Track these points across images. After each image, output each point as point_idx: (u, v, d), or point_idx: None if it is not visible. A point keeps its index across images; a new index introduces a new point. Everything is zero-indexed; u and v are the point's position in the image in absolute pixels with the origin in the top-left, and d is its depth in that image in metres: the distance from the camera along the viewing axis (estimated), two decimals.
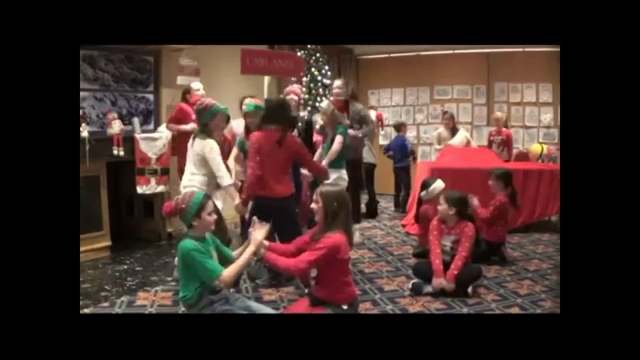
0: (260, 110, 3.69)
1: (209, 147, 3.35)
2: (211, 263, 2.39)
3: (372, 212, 6.30)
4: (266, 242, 2.59)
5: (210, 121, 3.42)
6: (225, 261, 2.56)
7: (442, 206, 3.60)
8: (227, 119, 4.03)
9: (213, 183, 3.44)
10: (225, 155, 3.62)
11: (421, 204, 4.51)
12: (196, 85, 4.73)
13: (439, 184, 4.36)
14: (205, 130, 3.41)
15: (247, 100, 4.31)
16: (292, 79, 5.15)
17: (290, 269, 2.54)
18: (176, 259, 3.64)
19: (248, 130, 3.77)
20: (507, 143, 6.43)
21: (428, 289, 3.41)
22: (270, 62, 4.24)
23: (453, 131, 6.59)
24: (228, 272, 2.40)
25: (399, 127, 6.76)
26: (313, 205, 2.66)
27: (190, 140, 3.50)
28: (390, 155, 6.70)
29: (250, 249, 2.50)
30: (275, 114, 3.36)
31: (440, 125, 7.53)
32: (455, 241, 3.52)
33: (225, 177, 3.33)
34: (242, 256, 2.49)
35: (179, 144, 4.61)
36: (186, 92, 4.75)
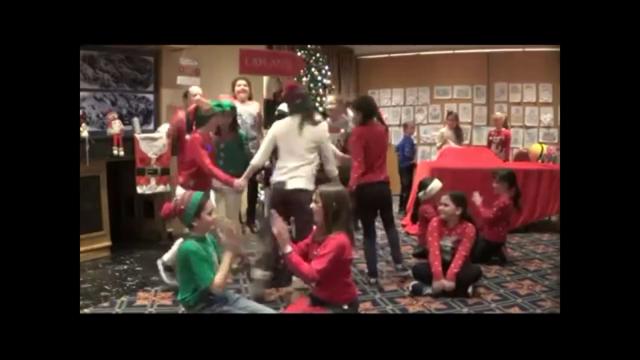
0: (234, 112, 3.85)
1: (326, 132, 3.45)
2: (205, 270, 2.37)
3: None
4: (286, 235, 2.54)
5: (311, 106, 3.52)
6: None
7: (449, 207, 3.54)
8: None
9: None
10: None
11: (419, 204, 4.51)
12: (195, 89, 4.54)
13: (436, 184, 4.36)
14: (312, 116, 3.44)
15: (241, 82, 4.56)
16: (293, 78, 5.16)
17: (303, 277, 2.55)
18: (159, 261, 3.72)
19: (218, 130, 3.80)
20: (505, 143, 6.45)
21: (428, 290, 3.41)
22: (268, 62, 4.23)
23: (456, 131, 6.59)
24: (217, 280, 2.38)
25: (405, 126, 6.77)
26: (312, 206, 2.64)
27: (285, 129, 3.41)
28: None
29: (227, 256, 2.45)
30: (374, 110, 3.72)
31: (441, 125, 7.56)
32: (457, 241, 3.51)
33: (334, 167, 3.49)
34: (223, 263, 2.44)
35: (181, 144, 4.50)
36: (184, 96, 4.61)
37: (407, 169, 6.52)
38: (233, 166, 3.69)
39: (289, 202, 3.24)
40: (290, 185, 3.28)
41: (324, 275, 2.53)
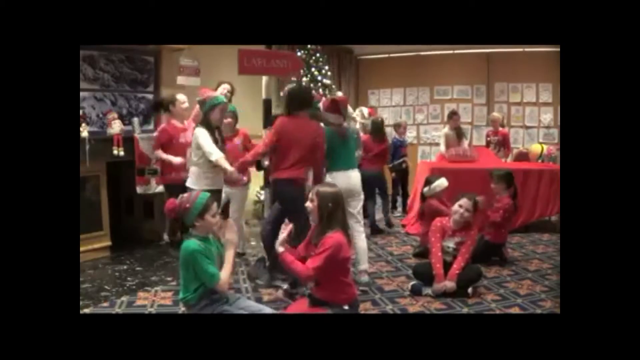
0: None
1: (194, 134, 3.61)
2: (212, 267, 2.39)
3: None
4: (284, 235, 2.60)
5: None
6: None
7: (470, 213, 3.48)
8: (235, 116, 4.18)
9: None
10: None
11: (424, 200, 4.51)
12: (182, 97, 4.28)
13: (442, 182, 4.34)
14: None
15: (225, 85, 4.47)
16: (292, 78, 5.16)
17: (299, 275, 2.56)
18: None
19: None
20: (504, 143, 6.47)
21: (427, 291, 3.41)
22: (268, 62, 4.22)
23: (456, 131, 6.58)
24: (223, 277, 2.40)
25: (397, 127, 6.72)
26: (308, 204, 2.65)
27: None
28: None
29: (230, 252, 2.49)
30: (306, 103, 3.52)
31: (441, 125, 7.56)
32: (459, 242, 3.50)
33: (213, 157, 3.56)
34: (227, 259, 2.48)
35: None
36: (170, 102, 4.23)
37: (391, 168, 6.41)
38: None
39: None
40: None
41: (322, 274, 2.53)
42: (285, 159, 3.28)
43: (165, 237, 4.45)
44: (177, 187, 3.58)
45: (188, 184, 3.49)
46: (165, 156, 4.03)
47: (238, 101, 4.68)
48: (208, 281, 2.38)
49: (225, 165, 3.39)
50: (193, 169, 3.52)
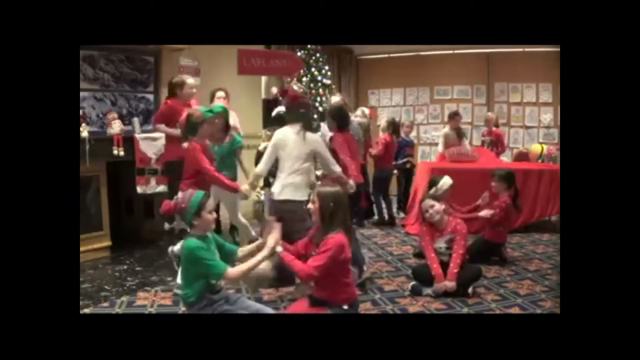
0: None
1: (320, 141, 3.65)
2: (216, 261, 2.41)
3: (368, 212, 6.27)
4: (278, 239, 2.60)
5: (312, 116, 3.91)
6: (228, 258, 2.56)
7: (436, 206, 3.56)
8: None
9: None
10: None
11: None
12: (191, 81, 4.31)
13: (446, 180, 4.31)
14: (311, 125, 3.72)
15: (220, 93, 4.40)
16: (289, 78, 5.18)
17: (300, 274, 2.55)
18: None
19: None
20: (497, 142, 6.54)
21: (427, 291, 3.41)
22: (267, 62, 4.23)
23: (457, 132, 6.59)
24: (234, 271, 2.41)
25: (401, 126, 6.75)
26: (310, 206, 2.66)
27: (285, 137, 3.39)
28: None
29: (264, 253, 2.50)
30: (348, 119, 4.06)
31: (440, 125, 7.57)
32: (450, 240, 3.51)
33: (337, 166, 3.62)
34: (255, 259, 2.49)
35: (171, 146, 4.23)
36: (177, 86, 4.25)
37: (400, 168, 6.42)
38: (224, 169, 3.74)
39: (279, 212, 3.19)
40: (281, 196, 3.26)
41: (323, 273, 2.53)
42: (354, 166, 3.73)
43: (166, 225, 4.42)
44: (179, 164, 3.47)
45: (286, 196, 3.23)
46: (168, 130, 4.01)
47: (238, 101, 4.68)
48: (214, 274, 2.39)
49: (345, 178, 3.47)
50: (297, 179, 3.26)
